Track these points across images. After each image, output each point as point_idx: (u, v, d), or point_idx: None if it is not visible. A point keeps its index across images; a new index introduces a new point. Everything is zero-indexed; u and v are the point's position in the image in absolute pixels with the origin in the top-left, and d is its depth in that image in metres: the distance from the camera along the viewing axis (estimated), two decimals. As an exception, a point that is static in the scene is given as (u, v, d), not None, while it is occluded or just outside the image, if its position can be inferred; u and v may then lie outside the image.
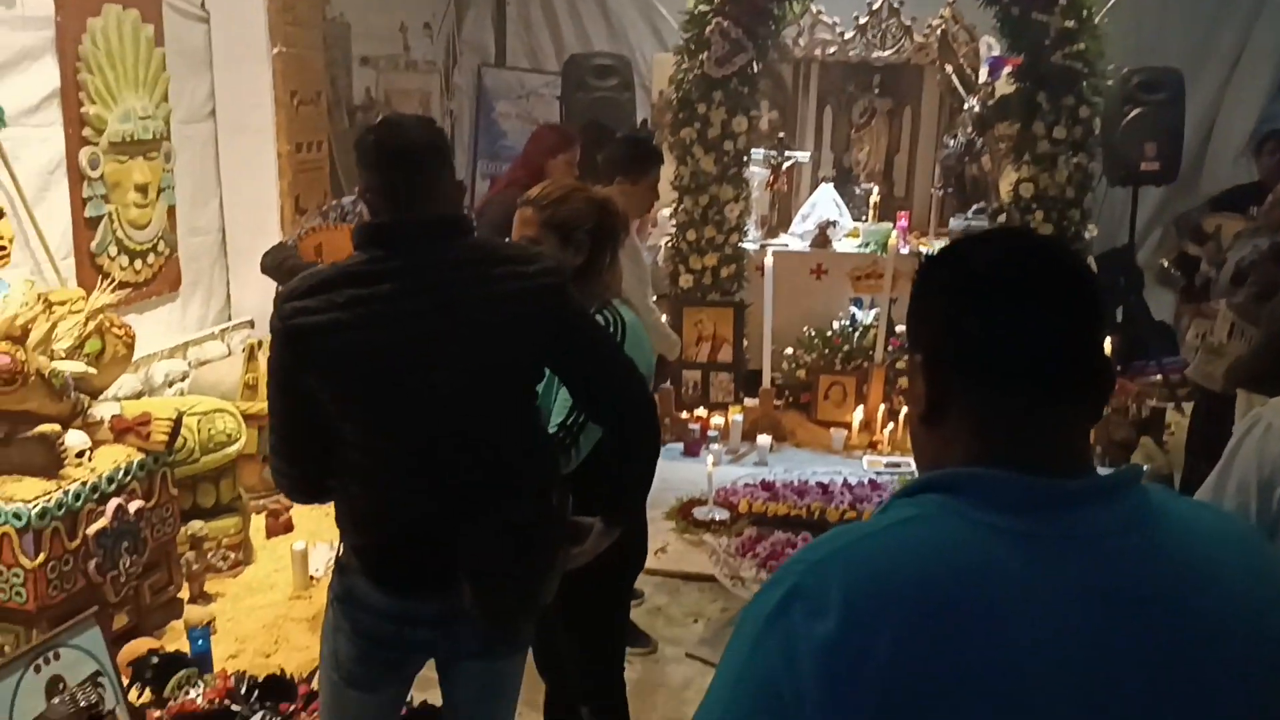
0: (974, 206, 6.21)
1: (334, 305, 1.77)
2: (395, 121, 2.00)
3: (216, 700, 3.00)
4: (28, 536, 3.08)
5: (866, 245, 6.09)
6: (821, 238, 6.10)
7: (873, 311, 5.92)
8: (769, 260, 5.74)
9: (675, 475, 5.04)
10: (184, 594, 3.78)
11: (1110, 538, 0.94)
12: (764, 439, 5.42)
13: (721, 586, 4.03)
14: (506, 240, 2.22)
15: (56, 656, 2.82)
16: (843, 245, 6.15)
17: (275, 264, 3.69)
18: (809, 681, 0.85)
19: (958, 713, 0.85)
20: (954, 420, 1.00)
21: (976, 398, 0.98)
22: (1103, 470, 0.99)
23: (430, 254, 1.84)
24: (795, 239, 6.27)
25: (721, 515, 4.57)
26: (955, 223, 6.15)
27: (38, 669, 2.76)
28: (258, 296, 5.20)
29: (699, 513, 4.58)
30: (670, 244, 6.08)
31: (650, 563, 4.37)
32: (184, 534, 3.79)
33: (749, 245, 6.14)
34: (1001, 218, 5.92)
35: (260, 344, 4.63)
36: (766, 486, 4.84)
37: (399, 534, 1.88)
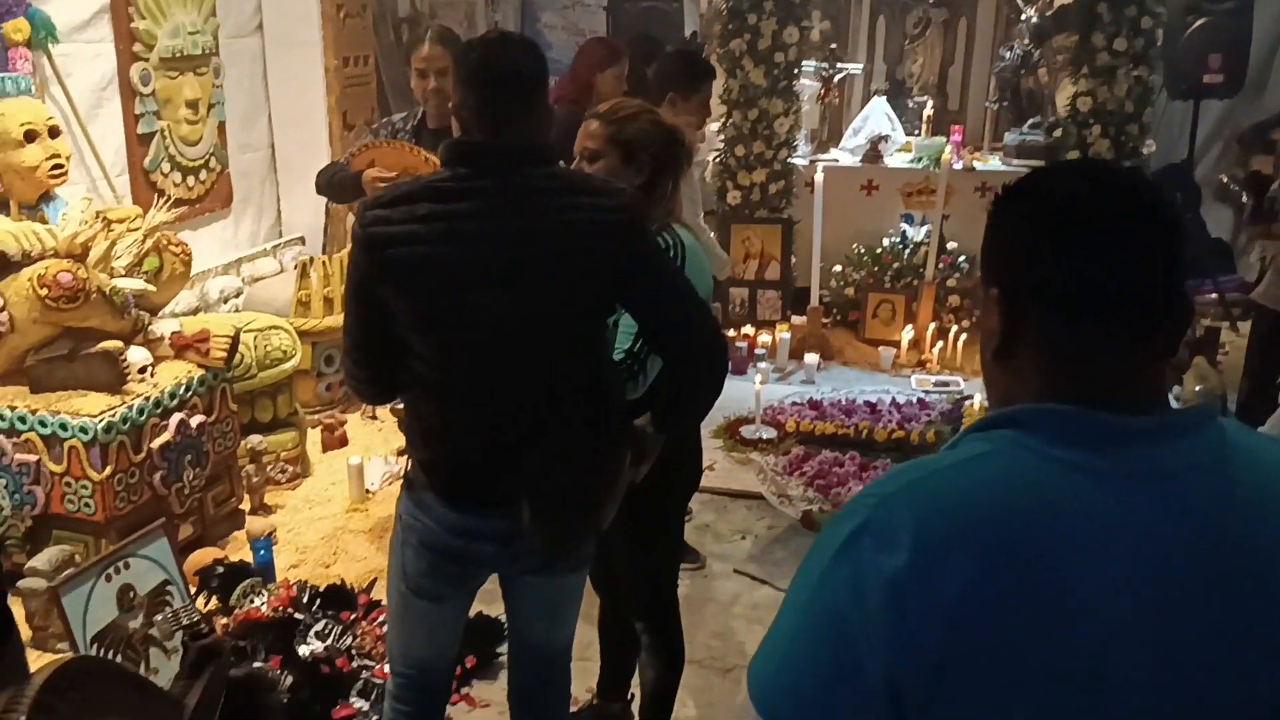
0: (1029, 121, 6.06)
1: (413, 218, 1.80)
2: (500, 41, 1.98)
3: (280, 609, 3.09)
4: (95, 450, 3.17)
5: (919, 160, 5.98)
6: (873, 152, 6.00)
7: (924, 228, 5.84)
8: (819, 176, 5.66)
9: (723, 394, 5.05)
10: (245, 506, 3.88)
11: (1183, 475, 0.93)
12: (811, 357, 5.41)
13: (768, 504, 4.07)
14: (586, 172, 2.19)
15: (126, 566, 2.93)
16: (894, 160, 6.05)
17: (327, 180, 3.69)
18: (877, 615, 0.85)
19: (1025, 649, 0.85)
20: (1027, 355, 0.98)
21: (1051, 332, 0.97)
22: (1176, 405, 0.98)
23: (513, 178, 1.84)
24: (846, 154, 6.17)
25: (769, 434, 4.59)
26: (1010, 137, 6.02)
27: (109, 578, 2.88)
28: (308, 213, 5.24)
29: (746, 431, 4.61)
30: (718, 159, 6.01)
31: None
32: (243, 448, 3.88)
33: (798, 160, 6.05)
34: (1057, 132, 5.78)
35: (311, 260, 4.67)
36: (814, 405, 4.85)
37: (463, 453, 1.92)
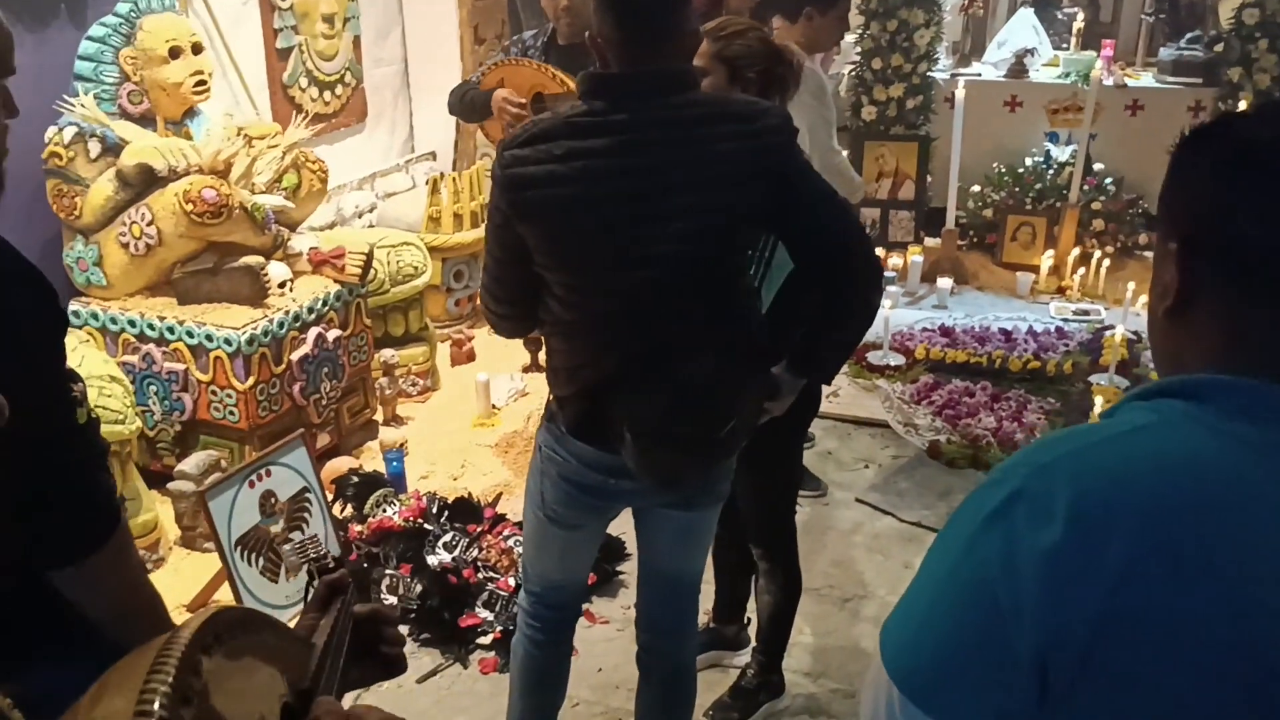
0: (1188, 35, 5.68)
1: (551, 157, 1.76)
2: None
3: (411, 519, 3.20)
4: (238, 361, 3.30)
5: (1066, 75, 5.68)
6: (1018, 67, 5.72)
7: (1069, 148, 5.57)
8: (959, 91, 5.43)
9: (850, 316, 4.98)
10: (378, 417, 4.01)
11: None
12: (944, 281, 5.26)
13: (893, 433, 4.00)
14: (730, 94, 2.10)
15: (268, 473, 3.06)
16: (1040, 75, 5.76)
17: (458, 99, 3.70)
18: (1029, 589, 0.81)
19: (1183, 636, 0.80)
20: (1203, 318, 0.91)
21: (1234, 296, 0.89)
22: None
23: (653, 110, 1.78)
24: (989, 68, 5.90)
25: (897, 360, 4.50)
26: (1166, 53, 5.66)
27: (251, 484, 3.01)
28: (440, 129, 5.28)
29: (873, 357, 4.52)
30: (853, 73, 5.82)
31: (823, 407, 4.40)
32: (377, 361, 3.99)
33: (938, 75, 5.81)
34: (1218, 48, 5.40)
35: (442, 176, 4.72)
36: (945, 332, 4.73)
37: (593, 389, 1.90)
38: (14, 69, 1.32)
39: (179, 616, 2.98)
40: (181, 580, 3.14)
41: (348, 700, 1.06)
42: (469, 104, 3.63)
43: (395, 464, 3.53)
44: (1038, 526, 0.82)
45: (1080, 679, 0.81)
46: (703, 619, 2.91)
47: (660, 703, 2.30)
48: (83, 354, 3.14)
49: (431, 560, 3.06)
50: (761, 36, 2.28)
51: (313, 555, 1.10)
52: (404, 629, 2.98)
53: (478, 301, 2.05)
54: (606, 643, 2.90)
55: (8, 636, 1.26)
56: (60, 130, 3.33)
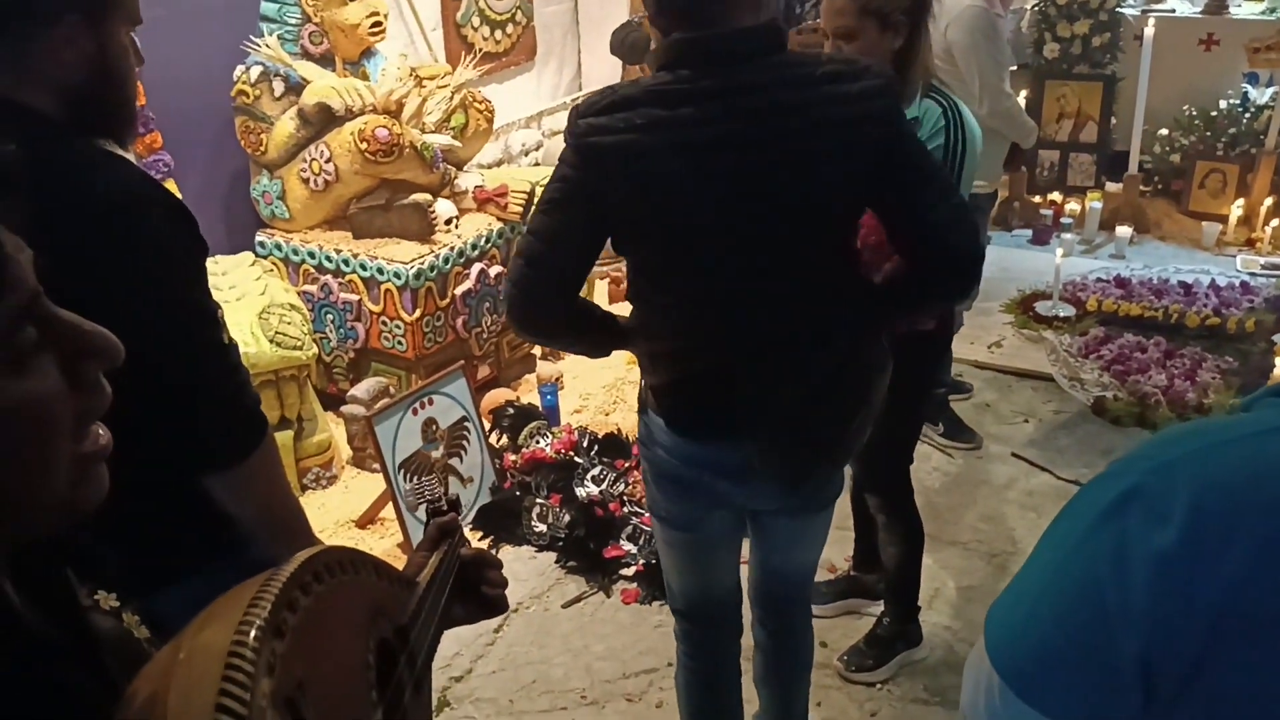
0: None
1: (633, 127, 1.58)
2: None
3: (562, 451, 3.32)
4: (406, 293, 3.46)
5: (1272, 11, 5.27)
6: (1216, 2, 5.33)
7: (1269, 90, 5.19)
8: (1150, 29, 5.10)
9: (1019, 265, 4.81)
10: (535, 351, 4.13)
11: None
12: (1124, 230, 5.01)
13: (1057, 387, 3.87)
14: (825, 54, 1.90)
15: (430, 402, 3.22)
16: (1241, 11, 5.37)
17: (619, 41, 3.73)
18: (1139, 592, 0.78)
19: None
20: None
21: None
22: None
23: (741, 75, 1.59)
24: (1184, 3, 5.53)
25: (1066, 311, 4.33)
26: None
27: (415, 411, 3.18)
28: (607, 66, 5.31)
29: (1041, 307, 4.36)
30: (1036, 8, 5.54)
31: (983, 357, 4.30)
32: (536, 297, 4.10)
33: (1128, 10, 5.48)
34: None
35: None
36: (1121, 283, 4.51)
37: (691, 377, 1.76)
38: (141, 19, 1.43)
39: (347, 531, 3.19)
40: (352, 497, 3.36)
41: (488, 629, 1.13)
42: (629, 46, 3.66)
43: (550, 398, 3.65)
44: (1152, 527, 0.79)
45: (1188, 688, 0.79)
46: (843, 565, 2.93)
47: (775, 670, 2.19)
48: (266, 282, 3.36)
49: (580, 492, 3.16)
50: None
51: (429, 498, 1.16)
52: (551, 556, 3.11)
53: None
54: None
55: (159, 551, 1.39)
56: (247, 69, 3.52)
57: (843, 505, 2.50)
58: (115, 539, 1.42)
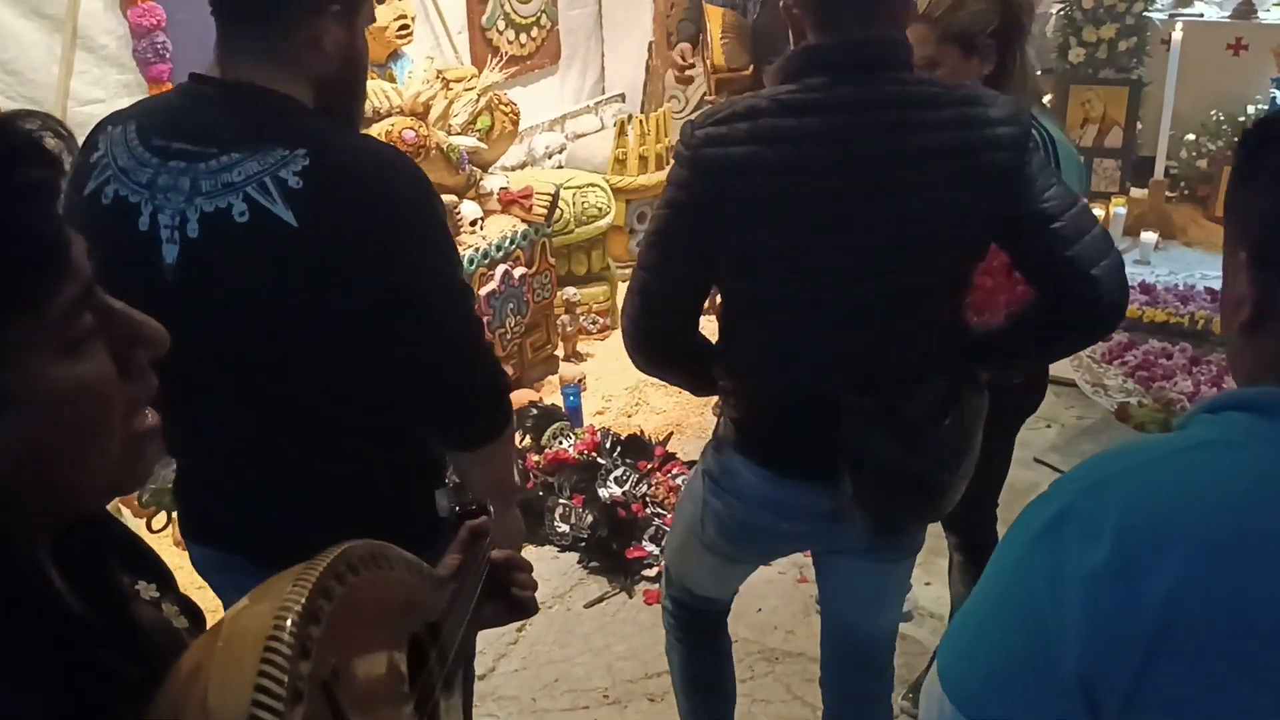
0: None
1: (754, 137, 1.48)
2: None
3: (585, 452, 3.33)
4: (431, 294, 3.48)
5: (1303, 15, 5.24)
6: (1245, 7, 5.30)
7: (1300, 95, 5.15)
8: (1177, 33, 5.08)
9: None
10: (559, 352, 4.15)
11: None
12: (1149, 235, 4.98)
13: (1079, 392, 3.86)
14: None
15: (454, 402, 3.24)
16: (1271, 15, 5.33)
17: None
18: (1074, 612, 0.78)
19: (1239, 663, 0.76)
20: (1276, 331, 0.84)
21: None
22: None
23: (880, 86, 1.49)
24: (1212, 8, 5.50)
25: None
26: None
27: (440, 411, 3.20)
28: (629, 70, 5.34)
29: (1064, 312, 4.35)
30: (1062, 12, 5.52)
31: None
32: (559, 299, 4.13)
33: (1155, 15, 5.45)
34: None
35: (630, 118, 4.79)
36: (1145, 289, 4.48)
37: (785, 410, 1.66)
38: (375, 19, 1.56)
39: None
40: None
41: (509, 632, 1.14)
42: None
43: (573, 399, 3.66)
44: (1084, 547, 0.79)
45: (1130, 707, 0.79)
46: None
47: None
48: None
49: (603, 493, 3.18)
50: None
51: (462, 500, 1.18)
52: (574, 556, 3.12)
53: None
54: (767, 583, 2.95)
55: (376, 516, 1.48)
56: (277, 72, 3.55)
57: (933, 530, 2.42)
58: (340, 500, 1.46)
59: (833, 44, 1.50)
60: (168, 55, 3.30)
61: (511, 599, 1.14)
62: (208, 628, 0.71)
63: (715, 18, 3.84)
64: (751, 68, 3.69)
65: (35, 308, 0.62)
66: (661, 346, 1.69)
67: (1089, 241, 1.53)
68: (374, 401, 1.42)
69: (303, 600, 0.63)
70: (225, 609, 1.61)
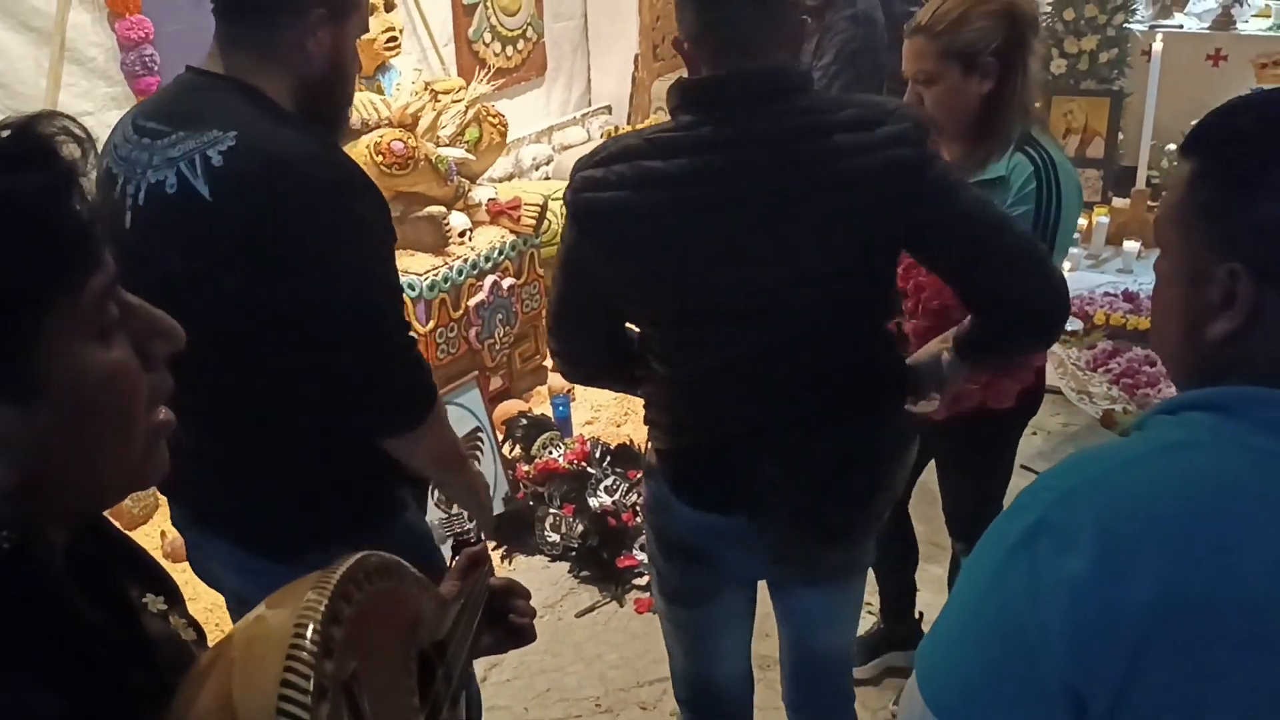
0: None
1: (623, 182, 1.44)
2: None
3: (575, 462, 3.34)
4: (420, 305, 3.49)
5: (1279, 27, 5.29)
6: (1224, 18, 5.36)
7: (1279, 105, 5.20)
8: (1158, 44, 5.13)
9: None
10: (548, 363, 4.15)
11: None
12: (1131, 244, 5.02)
13: (1065, 399, 3.90)
14: (848, 95, 1.65)
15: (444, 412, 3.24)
16: (1249, 27, 5.39)
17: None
18: (1056, 622, 0.79)
19: (1224, 662, 0.77)
20: (1255, 338, 0.84)
21: None
22: None
23: (749, 121, 1.41)
24: (1192, 19, 5.56)
25: (1074, 325, 4.35)
26: (1400, -2, 5.20)
27: (430, 421, 3.20)
28: (616, 82, 5.37)
29: (1049, 320, 4.38)
30: (1044, 24, 5.57)
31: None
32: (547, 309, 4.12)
33: (1135, 26, 5.51)
34: None
35: (616, 130, 4.81)
36: (1129, 297, 4.53)
37: (694, 446, 1.63)
38: (369, 29, 1.68)
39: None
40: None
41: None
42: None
43: (562, 409, 3.67)
44: (1063, 556, 0.79)
45: (1119, 709, 0.79)
46: (870, 621, 2.74)
47: None
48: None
49: (593, 502, 3.18)
50: (986, 8, 1.87)
51: (457, 530, 1.18)
52: (564, 565, 3.13)
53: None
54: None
55: (324, 509, 1.54)
56: (265, 84, 3.56)
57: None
58: (290, 495, 1.53)
59: (701, 80, 1.46)
60: (156, 68, 3.30)
61: (509, 626, 1.15)
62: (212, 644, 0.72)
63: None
64: None
65: (70, 294, 0.65)
66: (576, 364, 1.72)
67: (1011, 253, 1.48)
68: (282, 379, 1.47)
69: (325, 602, 0.64)
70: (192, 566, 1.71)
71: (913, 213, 1.44)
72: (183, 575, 2.96)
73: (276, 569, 1.17)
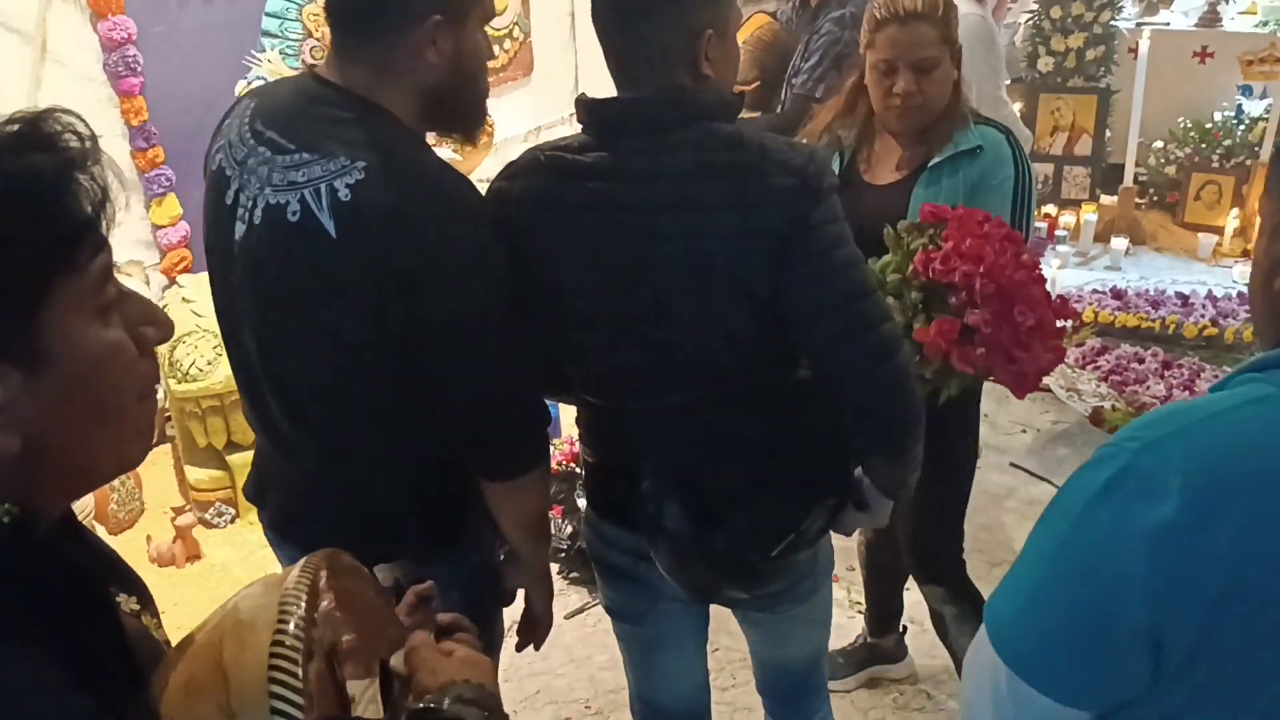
0: None
1: (517, 198, 1.45)
2: None
3: (564, 462, 3.32)
4: (407, 306, 3.47)
5: (1265, 24, 5.32)
6: (1210, 15, 5.38)
7: (1264, 102, 5.23)
8: (1144, 42, 5.15)
9: (1015, 276, 4.83)
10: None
11: None
12: (1119, 241, 5.04)
13: (1054, 397, 3.90)
14: (750, 135, 1.43)
15: (432, 414, 3.23)
16: (1235, 24, 5.41)
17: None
18: (1140, 568, 0.80)
19: None
20: None
21: None
22: None
23: (638, 152, 1.38)
24: (1179, 16, 5.59)
25: (1063, 322, 4.35)
26: (1385, -5, 5.22)
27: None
28: (604, 82, 5.34)
29: (1038, 318, 4.38)
30: (1031, 22, 5.59)
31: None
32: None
33: (1122, 24, 5.53)
34: None
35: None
36: (1117, 294, 4.54)
37: (604, 474, 1.64)
38: (496, 13, 1.56)
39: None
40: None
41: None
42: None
43: (551, 409, 3.64)
44: (1149, 504, 0.81)
45: (1197, 656, 0.81)
46: (857, 629, 2.74)
47: None
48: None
49: (581, 503, 3.16)
50: None
51: (398, 573, 1.20)
52: (553, 567, 3.11)
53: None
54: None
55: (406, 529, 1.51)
56: (249, 84, 3.54)
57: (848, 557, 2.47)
58: (371, 516, 1.50)
59: (595, 102, 1.43)
60: (139, 69, 3.29)
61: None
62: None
63: (750, 26, 3.78)
64: (757, 83, 3.67)
65: (75, 270, 0.71)
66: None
67: (862, 322, 1.39)
68: (394, 419, 1.44)
69: (309, 580, 0.71)
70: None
71: (783, 251, 1.37)
72: (171, 580, 2.93)
73: None
